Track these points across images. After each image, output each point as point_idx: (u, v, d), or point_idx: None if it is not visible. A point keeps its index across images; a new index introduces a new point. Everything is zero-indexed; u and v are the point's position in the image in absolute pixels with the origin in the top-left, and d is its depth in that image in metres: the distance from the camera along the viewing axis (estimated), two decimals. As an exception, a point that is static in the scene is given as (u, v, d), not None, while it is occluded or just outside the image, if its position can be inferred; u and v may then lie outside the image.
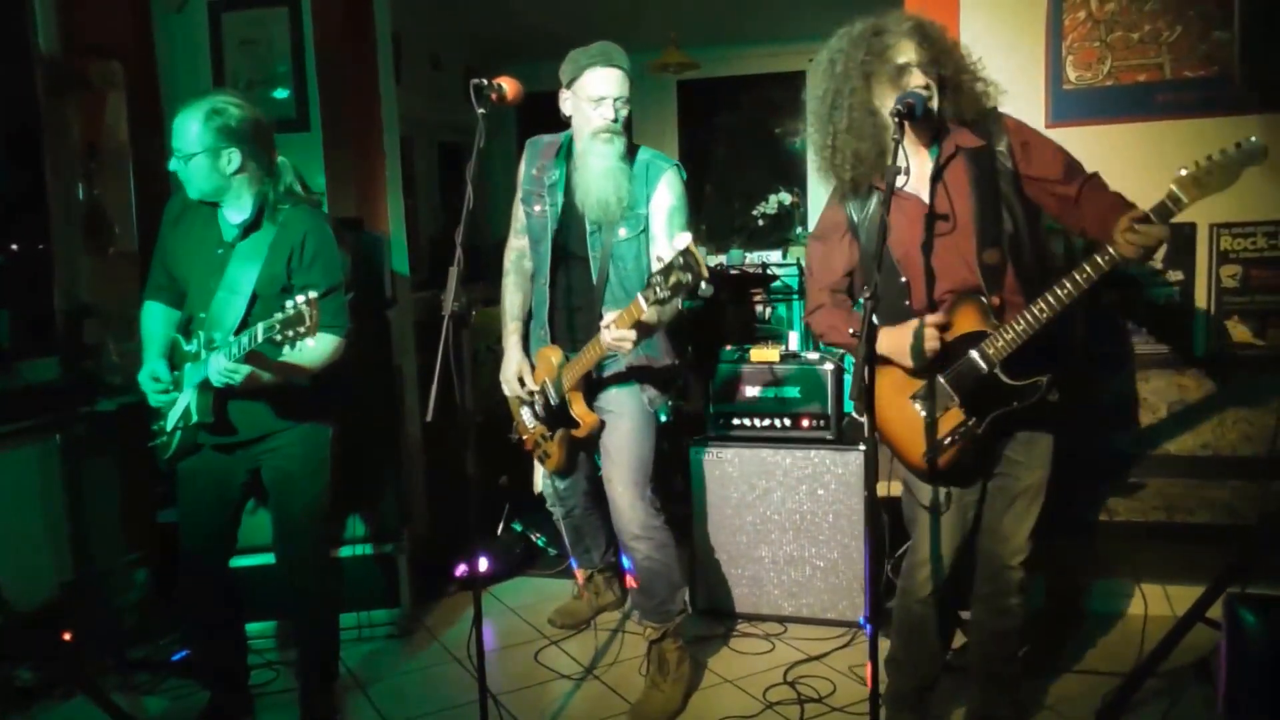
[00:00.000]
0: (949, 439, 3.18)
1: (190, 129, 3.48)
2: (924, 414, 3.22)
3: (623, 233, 3.95)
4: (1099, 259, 2.91)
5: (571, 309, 4.09)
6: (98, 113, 5.01)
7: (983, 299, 3.12)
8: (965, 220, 3.14)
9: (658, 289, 3.17)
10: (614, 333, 3.49)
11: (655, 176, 3.95)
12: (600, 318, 3.65)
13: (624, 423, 4.03)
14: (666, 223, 3.92)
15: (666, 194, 3.94)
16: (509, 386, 4.26)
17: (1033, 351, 3.08)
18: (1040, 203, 3.21)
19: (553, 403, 4.09)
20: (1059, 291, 2.97)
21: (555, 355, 4.06)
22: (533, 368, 4.19)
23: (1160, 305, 4.33)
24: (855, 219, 3.30)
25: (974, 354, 3.12)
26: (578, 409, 4.02)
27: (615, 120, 3.85)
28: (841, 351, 4.53)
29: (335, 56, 5.51)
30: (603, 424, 4.04)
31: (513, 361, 4.23)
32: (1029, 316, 3.02)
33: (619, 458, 4.03)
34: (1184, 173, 2.83)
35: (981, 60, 3.22)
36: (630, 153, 3.97)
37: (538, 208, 4.12)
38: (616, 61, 3.83)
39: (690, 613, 4.42)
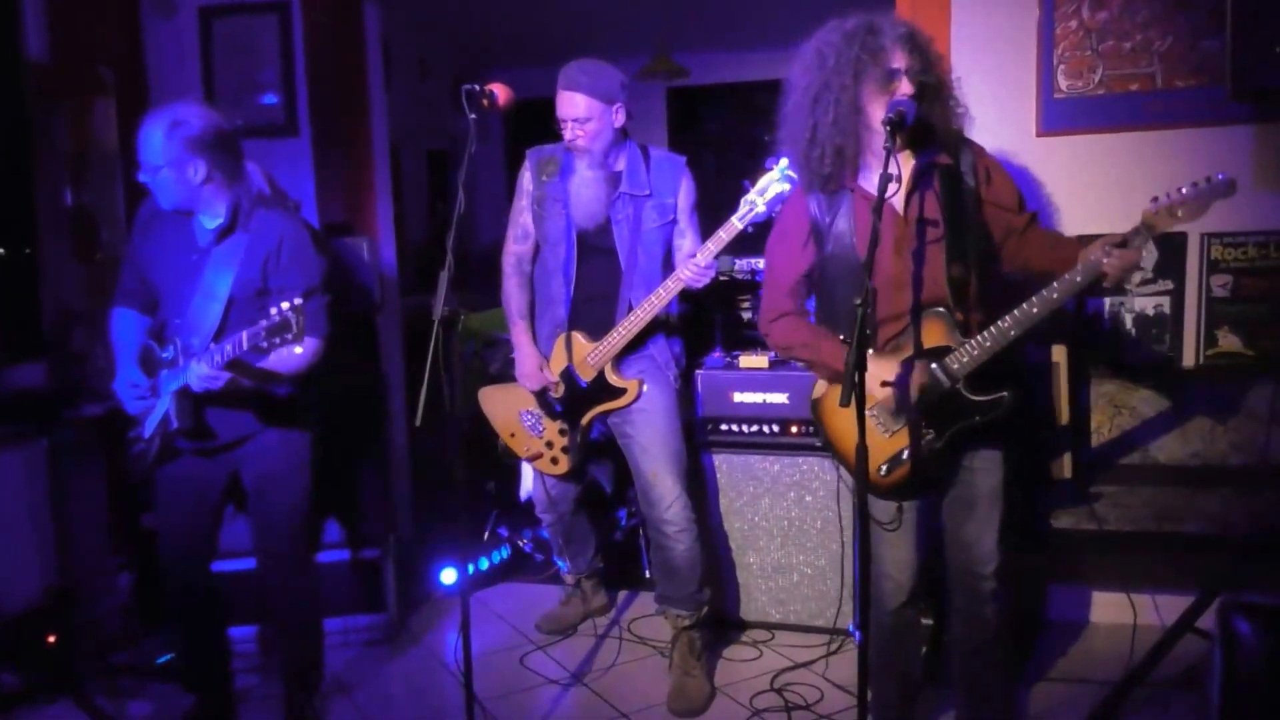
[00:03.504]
0: (905, 453, 3.18)
1: (153, 142, 3.44)
2: (881, 428, 3.21)
3: (653, 222, 4.19)
4: (1069, 277, 2.93)
5: (593, 299, 4.24)
6: (87, 119, 4.99)
7: (948, 313, 3.11)
8: (936, 234, 3.13)
9: (754, 205, 3.81)
10: (704, 257, 3.90)
11: (677, 173, 4.23)
12: (622, 303, 4.15)
13: (659, 417, 4.22)
14: (690, 218, 4.25)
15: (690, 192, 4.24)
16: (529, 380, 4.35)
17: (994, 367, 3.08)
18: (990, 228, 3.21)
19: (582, 383, 4.23)
20: (1028, 308, 2.97)
21: (578, 340, 4.22)
22: (545, 360, 4.34)
23: (1150, 314, 4.34)
24: (820, 220, 3.25)
25: (935, 368, 3.11)
26: (617, 379, 4.20)
27: (574, 140, 4.10)
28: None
29: (325, 62, 5.51)
30: (643, 387, 4.20)
31: (530, 355, 4.35)
32: (994, 332, 3.02)
33: (661, 452, 4.21)
34: (1155, 203, 2.88)
35: (960, 80, 3.20)
36: (644, 153, 4.24)
37: (555, 211, 4.24)
38: (572, 84, 4.05)
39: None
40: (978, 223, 3.17)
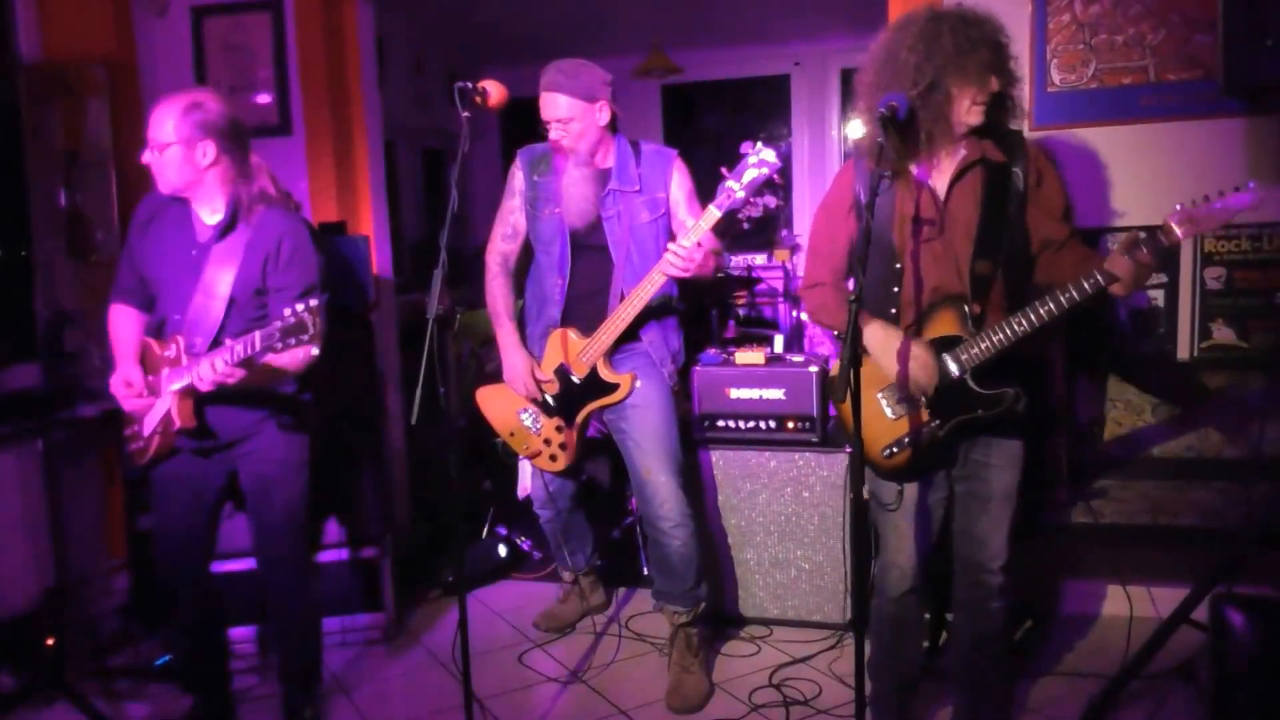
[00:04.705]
0: (909, 438, 3.20)
1: (168, 120, 3.44)
2: (889, 411, 3.23)
3: (645, 217, 4.16)
4: (1085, 283, 2.97)
5: (586, 297, 4.21)
6: (79, 119, 4.98)
7: (964, 305, 3.13)
8: (968, 227, 3.14)
9: (732, 191, 3.77)
10: (686, 242, 3.82)
11: (666, 166, 4.21)
12: (614, 300, 4.09)
13: (653, 413, 4.19)
14: (690, 207, 4.20)
15: (684, 181, 4.23)
16: (519, 385, 4.30)
17: (1008, 363, 3.10)
18: (1030, 231, 3.21)
19: (576, 380, 4.20)
20: (1040, 310, 3.01)
21: (571, 337, 4.19)
22: (537, 361, 4.31)
23: (1145, 307, 4.34)
24: (862, 197, 3.25)
25: (946, 358, 3.13)
26: (610, 374, 4.16)
27: (559, 140, 4.08)
28: (825, 354, 4.52)
29: (318, 61, 5.50)
30: (636, 383, 4.17)
31: (520, 359, 4.30)
32: (1007, 330, 3.05)
33: (656, 448, 4.18)
34: (1179, 208, 2.91)
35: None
36: (634, 148, 4.22)
37: (548, 210, 4.22)
38: (552, 85, 4.03)
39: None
40: (1018, 223, 3.17)
